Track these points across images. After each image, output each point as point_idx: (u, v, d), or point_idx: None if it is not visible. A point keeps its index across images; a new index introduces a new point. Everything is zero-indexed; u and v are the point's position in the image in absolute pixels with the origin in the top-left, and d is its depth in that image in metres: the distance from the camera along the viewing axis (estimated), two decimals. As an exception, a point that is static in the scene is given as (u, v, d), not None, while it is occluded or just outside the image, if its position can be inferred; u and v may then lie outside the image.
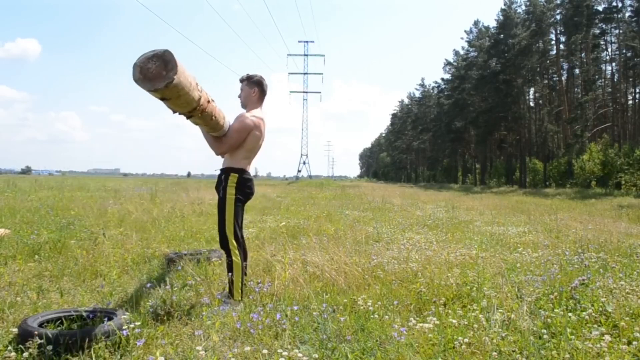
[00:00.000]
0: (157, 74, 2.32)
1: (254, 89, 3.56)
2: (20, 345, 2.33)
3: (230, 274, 3.29)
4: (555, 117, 39.20)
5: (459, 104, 49.09)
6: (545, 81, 42.52)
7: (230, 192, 3.37)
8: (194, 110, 2.76)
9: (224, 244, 3.36)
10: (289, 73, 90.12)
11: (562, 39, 37.91)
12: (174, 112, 2.76)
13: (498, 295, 3.28)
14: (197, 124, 3.17)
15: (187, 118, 2.88)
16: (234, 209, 3.37)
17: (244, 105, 3.60)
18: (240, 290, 3.29)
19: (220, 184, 3.43)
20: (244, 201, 3.49)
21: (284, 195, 19.49)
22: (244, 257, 3.51)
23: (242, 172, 3.44)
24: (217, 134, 3.39)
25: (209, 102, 2.88)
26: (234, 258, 3.29)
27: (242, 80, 3.61)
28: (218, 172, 3.52)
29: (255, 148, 3.51)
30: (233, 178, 3.39)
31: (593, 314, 2.88)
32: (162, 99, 2.53)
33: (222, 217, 3.37)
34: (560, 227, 7.95)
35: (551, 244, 5.89)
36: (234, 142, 3.40)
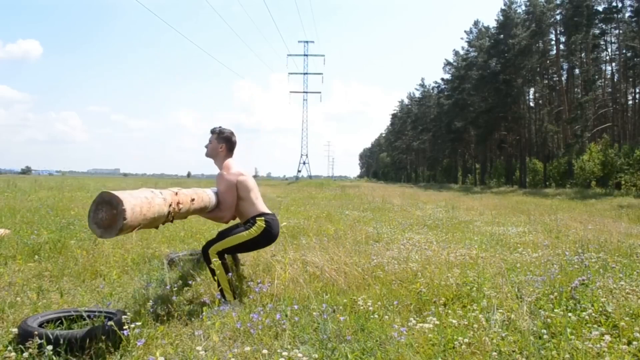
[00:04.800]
0: (111, 216, 2.33)
1: (222, 145, 3.58)
2: (20, 345, 2.33)
3: (215, 278, 3.30)
4: (555, 117, 39.18)
5: (459, 104, 49.08)
6: (545, 81, 42.51)
7: (255, 230, 3.41)
8: (170, 215, 2.79)
9: (206, 249, 3.38)
10: (289, 73, 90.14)
11: (562, 39, 37.91)
12: (157, 227, 2.83)
13: (498, 296, 3.28)
14: (186, 217, 3.23)
15: (172, 221, 2.92)
16: (241, 242, 3.39)
17: (209, 156, 3.63)
18: (230, 291, 3.30)
19: (248, 223, 3.48)
20: (260, 244, 3.54)
21: (284, 195, 19.49)
22: (236, 262, 3.64)
23: (265, 215, 3.50)
24: (210, 209, 3.43)
25: (179, 202, 2.90)
26: (215, 263, 3.29)
27: (212, 132, 3.63)
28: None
29: (252, 188, 3.54)
30: (261, 221, 3.44)
31: (593, 314, 2.88)
32: (138, 229, 2.56)
33: (225, 236, 3.40)
34: (560, 227, 7.95)
35: (551, 244, 5.88)
36: (231, 202, 3.44)
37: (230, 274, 3.34)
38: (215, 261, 3.27)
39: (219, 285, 3.28)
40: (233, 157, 3.64)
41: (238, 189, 3.44)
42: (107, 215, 2.32)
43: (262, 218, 3.45)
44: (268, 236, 3.48)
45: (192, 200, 3.08)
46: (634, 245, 5.65)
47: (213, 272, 3.31)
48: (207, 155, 3.63)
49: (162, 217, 2.72)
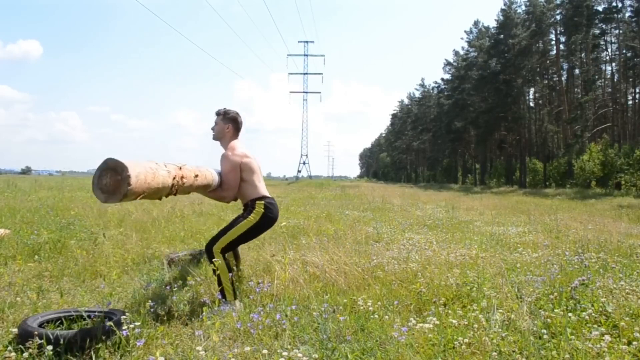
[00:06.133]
0: (115, 182, 2.35)
1: (228, 125, 3.58)
2: (20, 346, 2.33)
3: (217, 278, 3.29)
4: (555, 117, 39.19)
5: (459, 104, 49.08)
6: (545, 81, 42.51)
7: (254, 217, 3.41)
8: (174, 187, 2.80)
9: (209, 247, 3.37)
10: (289, 73, 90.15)
11: (562, 39, 37.90)
12: (160, 198, 2.83)
13: (498, 296, 3.28)
14: (189, 193, 3.23)
15: (175, 194, 2.92)
16: (243, 232, 3.39)
17: (216, 139, 3.62)
18: (231, 291, 3.29)
19: (247, 208, 3.48)
20: (262, 229, 3.53)
21: (284, 195, 19.47)
22: (238, 260, 3.62)
23: (265, 198, 3.50)
24: (212, 188, 3.43)
25: (182, 177, 2.90)
26: (215, 263, 3.29)
27: (217, 114, 3.62)
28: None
29: (256, 171, 3.54)
30: (260, 205, 3.44)
31: (593, 314, 2.89)
32: (142, 197, 2.57)
33: (227, 230, 3.40)
34: (560, 227, 7.95)
35: (551, 244, 5.88)
36: (234, 182, 3.44)
37: (231, 274, 3.34)
38: (216, 261, 3.27)
39: (219, 284, 3.27)
40: (239, 138, 3.64)
41: (242, 171, 3.44)
42: (111, 181, 2.35)
43: (262, 202, 3.46)
44: (268, 220, 3.49)
45: (196, 176, 3.07)
46: (634, 245, 5.65)
47: (214, 271, 3.30)
48: (215, 138, 3.62)
49: (166, 189, 2.74)
